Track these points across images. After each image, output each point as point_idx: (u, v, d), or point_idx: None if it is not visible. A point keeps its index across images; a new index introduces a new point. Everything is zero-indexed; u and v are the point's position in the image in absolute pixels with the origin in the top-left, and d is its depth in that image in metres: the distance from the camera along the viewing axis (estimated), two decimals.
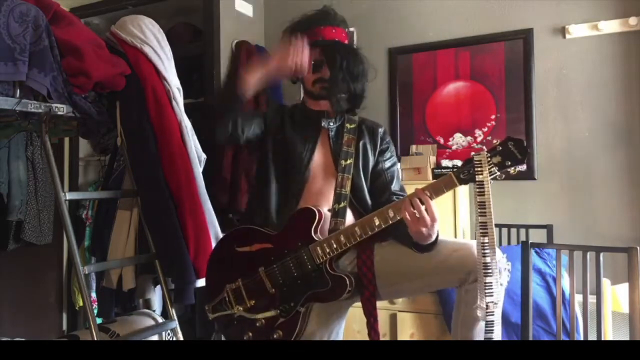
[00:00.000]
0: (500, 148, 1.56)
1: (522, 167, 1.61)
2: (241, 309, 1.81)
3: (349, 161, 1.88)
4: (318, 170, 1.91)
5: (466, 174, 1.59)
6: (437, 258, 1.69)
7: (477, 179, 1.56)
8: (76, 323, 3.32)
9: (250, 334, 1.79)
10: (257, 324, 1.79)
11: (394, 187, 1.93)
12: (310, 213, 1.75)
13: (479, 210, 1.56)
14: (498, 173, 1.56)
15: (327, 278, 1.71)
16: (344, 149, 1.91)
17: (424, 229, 1.61)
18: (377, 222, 1.66)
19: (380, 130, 2.00)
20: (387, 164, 1.96)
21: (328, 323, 1.86)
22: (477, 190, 1.56)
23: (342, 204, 1.82)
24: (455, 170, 1.61)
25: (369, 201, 1.90)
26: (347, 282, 1.69)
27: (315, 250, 1.73)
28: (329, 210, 1.84)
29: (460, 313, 1.70)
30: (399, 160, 2.01)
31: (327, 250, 1.70)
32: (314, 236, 1.73)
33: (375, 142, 1.97)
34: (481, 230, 1.55)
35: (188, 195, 2.27)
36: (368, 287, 1.77)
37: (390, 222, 1.65)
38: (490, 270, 1.54)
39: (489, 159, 1.56)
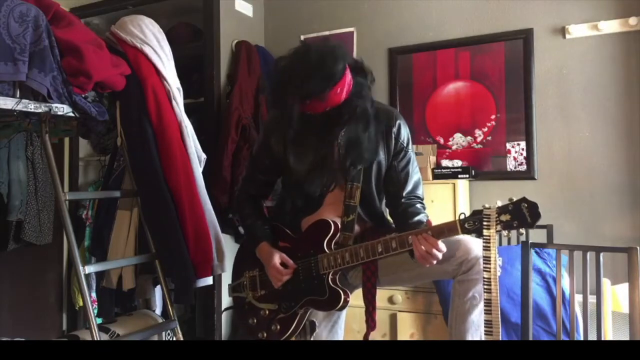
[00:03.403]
0: (512, 207, 1.55)
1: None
2: (251, 295, 1.98)
3: (358, 167, 1.83)
4: None
5: (471, 224, 1.59)
6: None
7: (484, 234, 1.56)
8: (76, 323, 3.32)
9: (255, 320, 1.95)
10: (261, 313, 1.94)
11: (407, 189, 1.87)
12: (327, 225, 1.84)
13: (484, 266, 1.57)
14: (504, 232, 1.56)
15: (325, 288, 1.81)
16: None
17: (429, 262, 1.66)
18: (379, 249, 1.72)
19: (394, 129, 1.85)
20: (402, 164, 1.87)
21: None
22: (484, 245, 1.57)
23: (350, 217, 1.83)
24: (461, 218, 1.61)
25: (381, 211, 1.92)
26: (342, 297, 1.79)
27: (322, 261, 1.82)
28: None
29: (455, 306, 1.75)
30: None
31: (332, 263, 1.80)
32: (326, 247, 1.82)
33: (389, 144, 1.85)
34: (485, 286, 1.56)
35: (188, 195, 2.27)
36: (370, 278, 1.84)
37: (392, 252, 1.71)
38: (490, 329, 1.55)
39: (498, 215, 1.55)
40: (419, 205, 1.87)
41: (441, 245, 1.63)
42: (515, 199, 1.56)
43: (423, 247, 1.63)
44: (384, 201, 1.96)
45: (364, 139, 1.75)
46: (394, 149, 1.86)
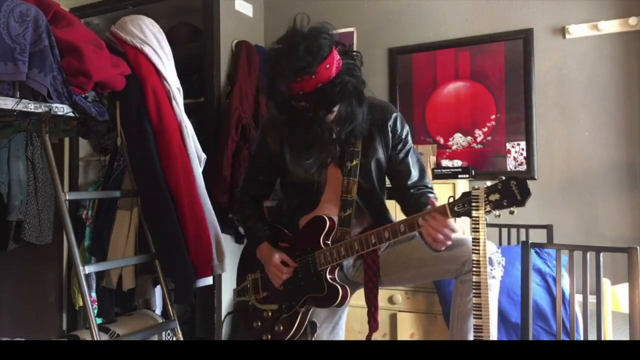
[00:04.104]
0: (501, 186, 1.51)
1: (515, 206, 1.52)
2: (254, 298, 1.97)
3: (354, 162, 1.83)
4: (330, 175, 1.88)
5: (461, 207, 1.56)
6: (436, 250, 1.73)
7: (472, 215, 1.53)
8: (76, 323, 3.32)
9: (259, 322, 1.94)
10: (264, 315, 1.93)
11: (412, 178, 1.86)
12: (322, 221, 1.83)
13: (473, 247, 1.54)
14: (494, 212, 1.51)
15: (324, 285, 1.81)
16: (349, 149, 1.83)
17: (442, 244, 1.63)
18: (373, 240, 1.72)
19: (390, 122, 1.85)
20: (401, 156, 1.87)
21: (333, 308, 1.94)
22: (472, 226, 1.53)
23: (347, 212, 1.83)
24: (451, 202, 1.58)
25: (380, 203, 1.91)
26: (340, 293, 1.78)
27: (318, 257, 1.82)
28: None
29: (456, 305, 1.74)
30: None
31: (329, 258, 1.79)
32: (322, 244, 1.82)
33: (386, 138, 1.85)
34: (474, 269, 1.53)
35: (188, 195, 2.27)
36: (372, 278, 1.84)
37: (385, 242, 1.71)
38: (479, 312, 1.53)
39: (487, 195, 1.51)
40: (430, 195, 1.84)
41: (451, 223, 1.58)
42: (504, 178, 1.52)
43: (432, 228, 1.58)
44: (385, 194, 1.96)
45: (359, 113, 1.74)
46: (391, 141, 1.86)
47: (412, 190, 1.86)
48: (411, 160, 1.88)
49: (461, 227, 2.60)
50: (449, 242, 1.61)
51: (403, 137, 1.88)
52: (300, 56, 1.60)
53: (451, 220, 1.58)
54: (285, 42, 1.68)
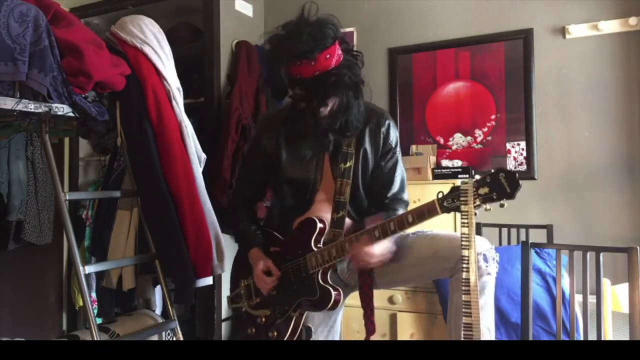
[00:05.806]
0: (490, 179, 1.48)
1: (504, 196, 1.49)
2: (247, 304, 1.95)
3: (348, 164, 1.83)
4: (324, 175, 1.88)
5: (450, 202, 1.54)
6: (431, 249, 1.74)
7: (461, 209, 1.51)
8: (76, 323, 3.32)
9: (253, 329, 1.91)
10: (258, 321, 1.90)
11: (392, 190, 1.87)
12: (312, 224, 1.81)
13: (462, 243, 1.52)
14: (484, 205, 1.49)
15: (316, 288, 1.78)
16: (343, 150, 1.83)
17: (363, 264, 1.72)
18: None
19: (384, 129, 1.87)
20: (387, 165, 1.88)
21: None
22: (462, 221, 1.51)
23: (340, 213, 1.82)
24: (440, 197, 1.57)
25: (367, 209, 1.89)
26: (332, 295, 1.75)
27: (310, 260, 1.79)
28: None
29: (453, 303, 1.73)
30: None
31: (320, 261, 1.77)
32: (313, 246, 1.79)
33: (377, 143, 1.86)
34: (464, 266, 1.52)
35: (188, 195, 2.27)
36: (366, 280, 1.82)
37: (376, 241, 1.69)
38: (469, 310, 1.51)
39: (476, 189, 1.49)
40: (400, 212, 1.84)
41: (372, 249, 1.67)
42: (493, 170, 1.49)
43: (354, 250, 1.69)
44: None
45: (354, 105, 1.75)
46: (381, 148, 1.86)
47: (387, 202, 1.87)
48: (397, 170, 1.89)
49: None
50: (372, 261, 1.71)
51: (393, 145, 1.89)
52: (303, 41, 1.63)
53: (372, 247, 1.67)
54: (289, 28, 1.71)
